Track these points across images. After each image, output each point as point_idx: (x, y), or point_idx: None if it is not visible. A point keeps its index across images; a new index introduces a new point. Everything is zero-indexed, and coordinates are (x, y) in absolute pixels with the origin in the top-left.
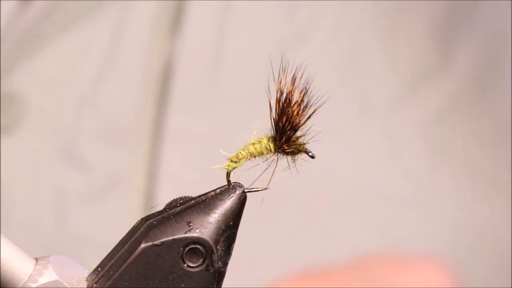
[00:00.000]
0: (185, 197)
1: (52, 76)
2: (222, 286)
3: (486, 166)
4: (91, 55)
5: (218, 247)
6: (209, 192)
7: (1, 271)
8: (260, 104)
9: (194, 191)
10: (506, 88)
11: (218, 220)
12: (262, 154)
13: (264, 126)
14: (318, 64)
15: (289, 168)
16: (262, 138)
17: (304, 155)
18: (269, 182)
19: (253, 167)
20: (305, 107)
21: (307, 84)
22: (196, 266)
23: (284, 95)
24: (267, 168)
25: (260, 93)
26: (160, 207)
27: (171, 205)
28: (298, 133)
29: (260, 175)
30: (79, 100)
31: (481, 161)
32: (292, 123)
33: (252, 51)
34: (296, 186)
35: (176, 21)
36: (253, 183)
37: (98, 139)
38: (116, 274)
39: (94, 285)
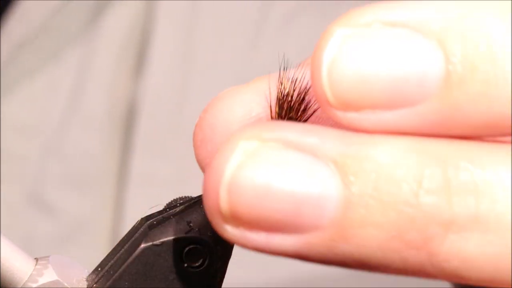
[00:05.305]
0: (185, 197)
1: (18, 121)
2: (222, 286)
3: None
4: (55, 99)
5: (218, 247)
6: None
7: (1, 271)
8: None
9: None
10: None
11: None
12: None
13: None
14: None
15: None
16: None
17: None
18: None
19: None
20: (305, 107)
21: (307, 84)
22: (196, 266)
23: (284, 95)
24: None
25: None
26: (160, 207)
27: (171, 205)
28: None
29: None
30: (45, 145)
31: None
32: None
33: (216, 93)
34: None
35: (139, 62)
36: None
37: (64, 184)
38: (116, 274)
39: (94, 285)
